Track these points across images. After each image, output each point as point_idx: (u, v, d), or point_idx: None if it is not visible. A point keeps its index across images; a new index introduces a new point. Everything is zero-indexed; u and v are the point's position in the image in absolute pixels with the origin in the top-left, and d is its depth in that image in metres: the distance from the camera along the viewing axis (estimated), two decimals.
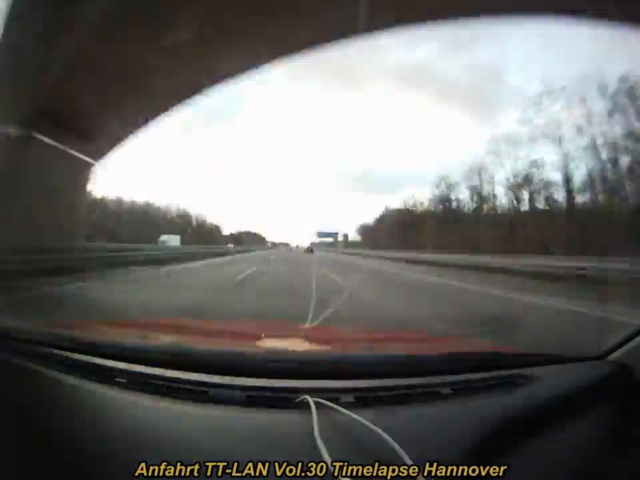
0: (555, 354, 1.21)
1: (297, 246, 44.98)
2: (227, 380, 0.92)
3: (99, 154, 10.96)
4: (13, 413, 0.84)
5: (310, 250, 35.61)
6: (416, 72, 38.68)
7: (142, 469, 0.67)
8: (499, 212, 24.34)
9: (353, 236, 42.87)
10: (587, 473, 0.78)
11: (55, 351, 1.09)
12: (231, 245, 32.29)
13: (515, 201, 23.32)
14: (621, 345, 1.10)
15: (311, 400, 0.79)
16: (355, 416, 0.75)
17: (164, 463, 0.68)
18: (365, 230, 40.92)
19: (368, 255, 26.80)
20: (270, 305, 4.89)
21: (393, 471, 0.65)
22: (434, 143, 52.07)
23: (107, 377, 0.96)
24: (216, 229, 34.25)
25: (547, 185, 21.12)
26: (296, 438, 0.74)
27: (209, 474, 0.67)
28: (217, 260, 17.51)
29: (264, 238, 49.39)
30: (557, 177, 21.03)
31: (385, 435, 0.69)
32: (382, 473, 0.67)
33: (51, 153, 8.72)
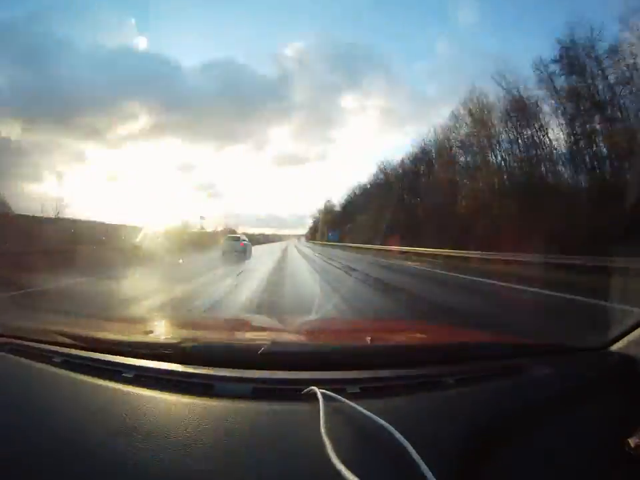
0: (556, 344, 1.21)
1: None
2: (232, 373, 0.92)
3: None
4: (19, 412, 0.85)
5: None
6: None
7: (150, 463, 0.68)
8: None
9: None
10: (587, 463, 0.79)
11: (61, 349, 1.10)
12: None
13: None
14: (623, 335, 1.09)
15: (318, 391, 0.80)
16: (360, 407, 0.75)
17: (171, 456, 0.69)
18: None
19: None
20: None
21: (397, 461, 0.66)
22: None
23: (113, 373, 0.96)
24: None
25: None
26: (302, 429, 0.75)
27: (216, 466, 0.67)
28: None
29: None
30: None
31: (389, 426, 0.70)
32: (387, 463, 0.67)
33: None
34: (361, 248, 28.57)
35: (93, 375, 0.96)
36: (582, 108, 16.74)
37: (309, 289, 7.78)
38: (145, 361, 1.00)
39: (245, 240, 19.50)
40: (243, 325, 1.74)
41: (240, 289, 7.29)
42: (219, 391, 0.87)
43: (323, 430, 0.69)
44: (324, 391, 0.80)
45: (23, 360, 1.09)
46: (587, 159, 16.71)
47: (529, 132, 19.23)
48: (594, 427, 0.87)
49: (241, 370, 0.93)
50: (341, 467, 0.61)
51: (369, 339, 1.13)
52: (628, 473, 0.77)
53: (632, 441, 0.78)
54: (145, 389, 0.89)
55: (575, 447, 0.80)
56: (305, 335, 1.55)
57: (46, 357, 1.07)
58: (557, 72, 17.79)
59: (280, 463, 0.68)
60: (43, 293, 6.34)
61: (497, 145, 20.91)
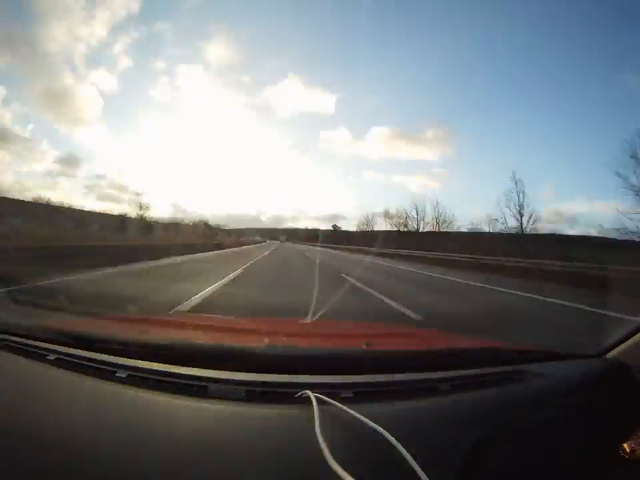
0: (553, 350, 1.21)
1: None
2: (226, 375, 0.91)
3: None
4: (11, 409, 0.84)
5: None
6: None
7: (141, 464, 0.67)
8: None
9: None
10: (584, 468, 0.79)
11: (54, 347, 1.09)
12: None
13: None
14: (619, 342, 1.10)
15: (311, 395, 0.79)
16: (353, 412, 0.75)
17: (162, 458, 0.68)
18: None
19: None
20: None
21: (391, 466, 0.65)
22: None
23: (106, 372, 0.96)
24: None
25: None
26: (296, 433, 0.74)
27: (208, 469, 0.67)
28: None
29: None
30: None
31: (384, 431, 0.70)
32: (381, 468, 0.67)
33: None
34: None
35: (86, 374, 0.96)
36: None
37: None
38: (138, 360, 0.99)
39: None
40: (238, 327, 1.73)
41: None
42: (213, 392, 0.86)
43: (318, 433, 0.68)
44: (317, 394, 0.80)
45: (16, 357, 1.08)
46: None
47: None
48: (591, 432, 0.88)
49: (235, 372, 0.92)
50: (339, 470, 0.61)
51: (364, 343, 1.13)
52: (624, 477, 0.78)
53: (627, 445, 0.79)
54: (138, 389, 0.88)
55: (572, 452, 0.80)
56: (300, 339, 1.54)
57: (40, 355, 1.06)
58: None
59: (273, 466, 0.67)
60: None
61: None
